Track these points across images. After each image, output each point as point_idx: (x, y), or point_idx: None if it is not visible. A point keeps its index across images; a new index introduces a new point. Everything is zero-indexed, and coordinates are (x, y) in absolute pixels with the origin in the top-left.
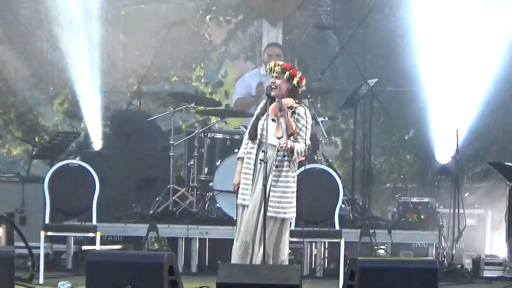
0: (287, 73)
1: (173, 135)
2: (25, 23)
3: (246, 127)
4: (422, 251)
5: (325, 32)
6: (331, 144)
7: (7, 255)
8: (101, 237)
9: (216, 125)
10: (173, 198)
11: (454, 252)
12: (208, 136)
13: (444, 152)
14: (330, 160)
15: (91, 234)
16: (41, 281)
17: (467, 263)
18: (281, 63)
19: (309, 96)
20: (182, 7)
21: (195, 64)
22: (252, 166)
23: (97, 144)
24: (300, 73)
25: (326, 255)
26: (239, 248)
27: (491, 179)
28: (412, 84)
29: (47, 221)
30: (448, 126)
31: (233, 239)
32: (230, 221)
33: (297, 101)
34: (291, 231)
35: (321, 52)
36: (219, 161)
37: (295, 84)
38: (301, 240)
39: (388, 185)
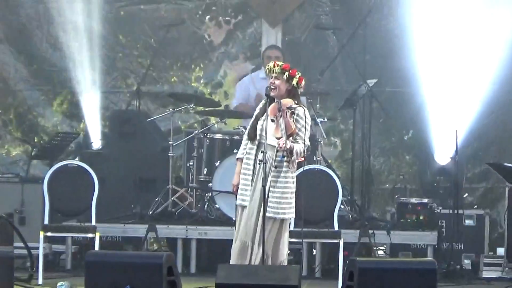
0: (287, 73)
1: (173, 135)
2: (25, 23)
3: (245, 128)
4: (421, 252)
5: (324, 32)
6: (330, 145)
7: (6, 256)
8: (100, 237)
9: (216, 125)
10: (172, 198)
11: (453, 252)
12: (208, 136)
13: (443, 152)
14: (329, 161)
15: (90, 235)
16: (40, 281)
17: (466, 263)
18: (280, 63)
19: (308, 98)
20: (181, 7)
21: (195, 65)
22: (251, 167)
23: (96, 144)
24: (300, 73)
25: (325, 256)
26: (238, 248)
27: (490, 180)
28: (412, 84)
29: (46, 221)
30: (447, 126)
31: (232, 240)
32: (229, 222)
33: (296, 102)
34: (290, 232)
35: (321, 53)
36: (219, 161)
37: (295, 85)
38: (300, 240)
39: (387, 185)
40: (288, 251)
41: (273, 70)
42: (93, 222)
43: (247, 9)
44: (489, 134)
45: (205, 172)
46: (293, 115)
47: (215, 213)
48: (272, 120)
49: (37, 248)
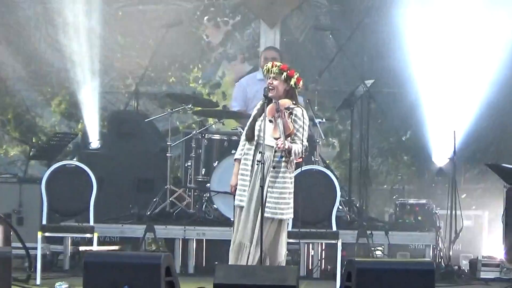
0: (285, 74)
1: (171, 136)
2: (23, 24)
3: (243, 128)
4: (419, 252)
5: (322, 33)
6: (329, 145)
7: (4, 256)
8: (98, 237)
9: (214, 126)
10: (170, 199)
11: (451, 253)
12: (206, 137)
13: (441, 153)
14: (327, 161)
15: (88, 235)
16: (38, 281)
17: (464, 264)
18: (278, 64)
19: (307, 98)
20: (179, 8)
21: (193, 65)
22: (249, 168)
23: (94, 144)
24: (298, 74)
25: (323, 256)
26: (236, 249)
27: (488, 181)
28: (410, 85)
29: (44, 221)
30: (445, 127)
31: (230, 240)
32: (227, 222)
33: (294, 102)
34: (288, 232)
35: (319, 54)
36: (217, 162)
37: (293, 85)
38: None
39: (385, 186)
40: (286, 252)
41: (271, 70)
42: (91, 223)
43: (245, 10)
44: (487, 135)
45: (203, 172)
46: (291, 116)
47: (213, 214)
48: (270, 121)
49: (35, 248)
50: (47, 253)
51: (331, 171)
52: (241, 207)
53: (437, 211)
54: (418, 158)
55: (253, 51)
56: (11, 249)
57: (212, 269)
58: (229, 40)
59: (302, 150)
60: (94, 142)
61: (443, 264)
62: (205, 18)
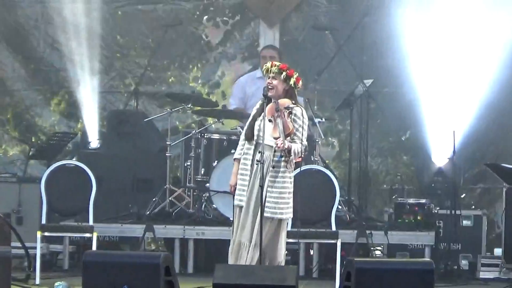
0: (284, 73)
1: (170, 135)
2: (22, 23)
3: (243, 128)
4: (418, 252)
5: (322, 33)
6: (328, 145)
7: (4, 256)
8: (98, 237)
9: (213, 125)
10: (170, 198)
11: (450, 253)
12: (205, 136)
13: (441, 153)
14: (327, 161)
15: (87, 235)
16: (37, 281)
17: (464, 264)
18: (277, 63)
19: (306, 98)
20: (179, 8)
21: (192, 65)
22: (249, 167)
23: (94, 144)
24: (297, 73)
25: (323, 256)
26: (236, 249)
27: (487, 181)
28: (409, 85)
29: (43, 221)
30: (445, 127)
31: (229, 240)
32: (226, 222)
33: (293, 102)
34: (287, 232)
35: (318, 53)
36: (216, 161)
37: (292, 85)
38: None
39: (384, 186)
40: (286, 251)
41: (271, 70)
42: (91, 222)
43: (245, 10)
44: (487, 135)
45: (202, 172)
46: (290, 115)
47: (213, 213)
48: (270, 120)
49: (35, 248)
50: (46, 252)
51: (331, 170)
52: (241, 207)
53: (436, 211)
54: (418, 158)
55: (252, 51)
56: (10, 249)
57: (211, 269)
58: (229, 40)
59: (301, 150)
60: (94, 141)
61: (442, 264)
62: (205, 17)
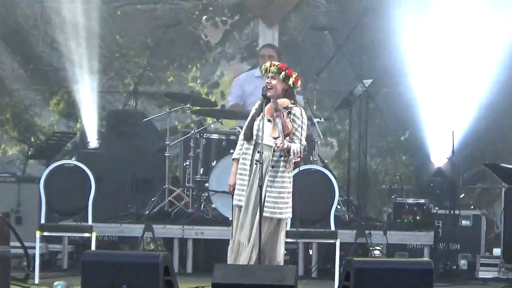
0: (283, 73)
1: (169, 135)
2: (21, 23)
3: (241, 128)
4: (417, 252)
5: (321, 33)
6: (327, 145)
7: (3, 255)
8: (97, 237)
9: (212, 125)
10: (169, 198)
11: (449, 253)
12: (204, 136)
13: (440, 153)
14: (326, 161)
15: (86, 234)
16: (36, 281)
17: (463, 264)
18: (276, 63)
19: (305, 98)
20: (178, 7)
21: (191, 65)
22: (248, 167)
23: (93, 144)
24: (296, 73)
25: (322, 256)
26: (234, 248)
27: (486, 181)
28: (408, 85)
29: (42, 221)
30: (444, 127)
31: (228, 240)
32: (225, 222)
33: (292, 102)
34: (286, 232)
35: (317, 53)
36: (215, 161)
37: (291, 85)
38: (297, 240)
39: (383, 186)
40: (285, 251)
41: (270, 70)
42: (90, 222)
43: (244, 10)
44: (486, 135)
45: (201, 172)
46: (289, 115)
47: (212, 213)
48: (269, 120)
49: (34, 247)
50: (46, 252)
51: (330, 170)
52: (240, 207)
53: (435, 211)
54: (417, 158)
55: (251, 50)
56: (9, 249)
57: (210, 269)
58: (228, 40)
59: (300, 150)
60: (93, 141)
61: (441, 263)
62: (204, 17)
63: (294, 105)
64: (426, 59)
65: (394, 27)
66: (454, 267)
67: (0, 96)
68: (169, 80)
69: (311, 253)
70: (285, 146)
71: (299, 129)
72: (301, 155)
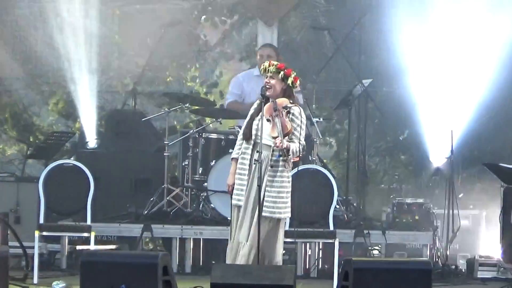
0: (282, 72)
1: (168, 135)
2: (20, 23)
3: (240, 127)
4: (416, 252)
5: (320, 33)
6: (326, 145)
7: (1, 255)
8: (96, 237)
9: (211, 125)
10: (168, 198)
11: (448, 252)
12: (203, 136)
13: (438, 153)
14: (324, 161)
15: (85, 234)
16: (35, 281)
17: (461, 264)
18: (275, 63)
19: (304, 98)
20: (177, 7)
21: (190, 65)
22: (247, 167)
23: (92, 144)
24: (295, 73)
25: (321, 256)
26: (233, 248)
27: (485, 180)
28: (407, 85)
29: (41, 221)
30: (442, 127)
31: (227, 239)
32: (224, 221)
33: (291, 101)
34: (285, 232)
35: (316, 53)
36: (214, 161)
37: (290, 84)
38: (296, 240)
39: (382, 185)
40: (283, 251)
41: (268, 69)
42: (89, 222)
43: (243, 10)
44: (484, 134)
45: (200, 171)
46: (288, 115)
47: (210, 213)
48: (268, 120)
49: (32, 247)
50: (44, 252)
51: (329, 170)
52: (239, 206)
53: (434, 211)
54: (416, 157)
55: (250, 50)
56: (8, 248)
57: (209, 268)
58: (227, 40)
59: (299, 149)
60: (92, 141)
61: (440, 263)
62: (203, 17)
63: (293, 105)
64: (425, 59)
65: (393, 27)
66: (453, 267)
67: None
68: (168, 79)
69: (310, 253)
70: (285, 146)
71: (298, 128)
72: (300, 155)
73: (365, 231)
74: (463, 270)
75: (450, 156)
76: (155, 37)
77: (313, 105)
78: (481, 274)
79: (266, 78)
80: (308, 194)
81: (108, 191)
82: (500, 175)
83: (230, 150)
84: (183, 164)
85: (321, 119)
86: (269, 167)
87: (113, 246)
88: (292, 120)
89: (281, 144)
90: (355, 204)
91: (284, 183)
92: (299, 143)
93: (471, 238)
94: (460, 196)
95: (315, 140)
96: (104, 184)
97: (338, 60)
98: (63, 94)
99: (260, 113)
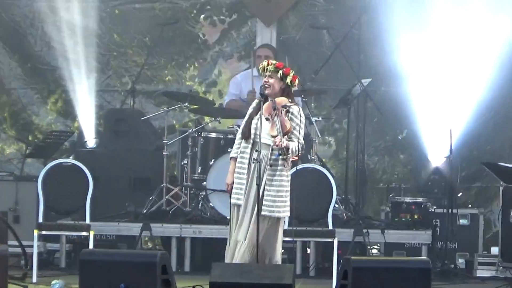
0: (280, 72)
1: (167, 134)
2: (19, 22)
3: (239, 126)
4: (415, 251)
5: (319, 32)
6: (325, 144)
7: (0, 254)
8: (95, 236)
9: (210, 124)
10: (167, 197)
11: (447, 252)
12: (202, 135)
13: (437, 152)
14: (323, 160)
15: (84, 233)
16: (34, 280)
17: (460, 263)
18: (273, 62)
19: (303, 96)
20: (176, 6)
21: (189, 64)
22: (246, 166)
23: (90, 143)
24: (293, 72)
25: (320, 255)
26: (232, 247)
27: (484, 179)
28: (406, 84)
29: (40, 220)
30: (441, 126)
31: (226, 238)
32: (223, 220)
33: (290, 100)
34: (284, 231)
35: (315, 52)
36: (213, 160)
37: (288, 83)
38: (295, 239)
39: (381, 185)
40: (282, 250)
41: (267, 68)
42: (88, 221)
43: (242, 8)
44: (484, 134)
45: (199, 170)
46: (287, 114)
47: (209, 212)
48: (267, 119)
49: (31, 246)
50: (43, 251)
51: (328, 169)
52: (238, 206)
53: (433, 210)
54: (415, 156)
55: (249, 49)
56: (7, 247)
57: (208, 267)
58: (226, 39)
59: (299, 148)
60: (90, 140)
61: (439, 262)
62: (201, 16)
63: (292, 104)
64: (424, 58)
65: (392, 26)
66: (452, 266)
67: None
68: (167, 79)
69: (309, 252)
70: (284, 145)
71: (297, 127)
72: (299, 154)
73: (364, 230)
74: (462, 269)
75: (449, 155)
76: (153, 36)
77: (312, 104)
78: (480, 273)
79: (265, 77)
80: (307, 193)
81: (107, 190)
82: (499, 174)
83: (229, 149)
84: (182, 163)
85: (320, 118)
86: (268, 166)
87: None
88: (291, 119)
89: (280, 143)
90: (354, 203)
91: (283, 182)
92: (298, 142)
93: (470, 237)
94: (459, 195)
95: (314, 139)
96: (103, 183)
97: (337, 59)
98: (62, 93)
99: (259, 112)
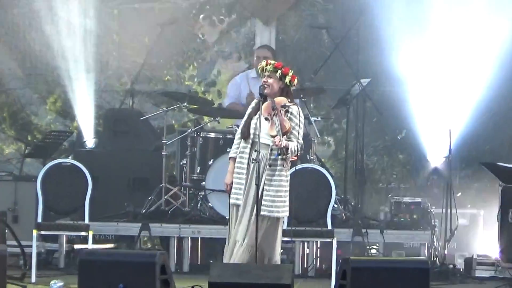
0: (279, 71)
1: (166, 134)
2: (18, 22)
3: (238, 126)
4: (414, 251)
5: (318, 31)
6: (324, 144)
7: None
8: (94, 236)
9: (209, 124)
10: (166, 197)
11: (446, 252)
12: (201, 135)
13: (436, 152)
14: (323, 160)
15: (83, 233)
16: (33, 280)
17: (459, 263)
18: (272, 62)
19: (302, 96)
20: (175, 6)
21: (188, 64)
22: (245, 166)
23: (89, 143)
24: (292, 72)
25: (318, 255)
26: (231, 247)
27: (483, 179)
28: (405, 84)
29: (39, 220)
30: (440, 126)
31: (225, 238)
32: (222, 220)
33: (289, 100)
34: (283, 231)
35: (314, 52)
36: (212, 160)
37: (287, 83)
38: (294, 239)
39: (380, 185)
40: (281, 250)
41: (266, 68)
42: (87, 221)
43: (241, 9)
44: (482, 134)
45: (198, 170)
46: (287, 114)
47: (208, 212)
48: (266, 119)
49: (30, 246)
50: (42, 251)
51: (327, 169)
52: (237, 205)
53: (432, 210)
54: (414, 156)
55: (248, 49)
56: (6, 247)
57: (207, 267)
58: (225, 39)
59: (298, 148)
60: (90, 140)
61: (438, 262)
62: (201, 16)
63: (291, 104)
64: (424, 58)
65: (391, 26)
66: (451, 266)
67: None
68: (166, 79)
69: (307, 252)
70: (284, 144)
71: (296, 127)
72: (299, 154)
73: (363, 230)
74: (461, 269)
75: (448, 155)
76: (153, 36)
77: (311, 104)
78: (479, 273)
79: (264, 77)
80: (306, 193)
81: (106, 190)
82: (498, 174)
83: (228, 149)
84: (181, 163)
85: (319, 118)
86: (267, 166)
87: (111, 245)
88: (290, 119)
89: (280, 142)
90: (353, 203)
91: (282, 182)
92: (298, 142)
93: (469, 237)
94: (458, 195)
95: (313, 139)
96: (102, 183)
97: (336, 59)
98: (61, 93)
99: (258, 112)
